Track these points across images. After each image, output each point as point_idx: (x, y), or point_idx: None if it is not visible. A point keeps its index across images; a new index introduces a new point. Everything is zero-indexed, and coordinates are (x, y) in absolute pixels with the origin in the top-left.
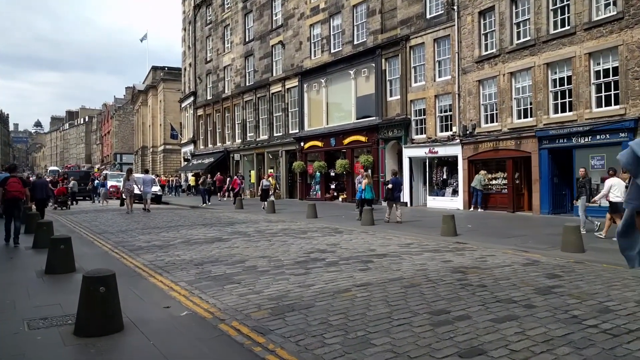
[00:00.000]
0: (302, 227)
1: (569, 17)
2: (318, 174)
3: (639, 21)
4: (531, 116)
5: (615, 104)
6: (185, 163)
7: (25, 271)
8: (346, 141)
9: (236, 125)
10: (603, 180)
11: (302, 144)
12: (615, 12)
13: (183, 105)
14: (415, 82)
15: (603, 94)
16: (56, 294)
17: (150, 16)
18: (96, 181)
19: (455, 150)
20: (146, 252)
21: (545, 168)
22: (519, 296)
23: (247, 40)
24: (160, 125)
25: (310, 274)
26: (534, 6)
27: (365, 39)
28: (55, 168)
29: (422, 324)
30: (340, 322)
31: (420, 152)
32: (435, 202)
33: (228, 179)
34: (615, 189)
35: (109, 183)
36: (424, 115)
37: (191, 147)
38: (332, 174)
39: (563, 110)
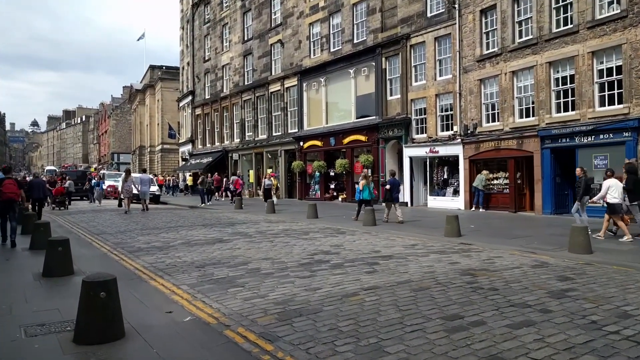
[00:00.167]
0: (303, 227)
1: (571, 16)
2: (317, 173)
3: None
4: (533, 115)
5: (618, 103)
6: (183, 163)
7: (22, 274)
8: (346, 141)
9: (235, 125)
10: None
11: (301, 143)
12: (619, 11)
13: (181, 104)
14: (416, 81)
15: (606, 93)
16: (54, 298)
17: (150, 16)
18: (93, 181)
19: (456, 149)
20: (146, 253)
21: (548, 168)
22: (533, 300)
23: (245, 39)
24: (158, 124)
25: (316, 276)
26: (536, 4)
27: (365, 38)
28: (52, 168)
29: (436, 330)
30: (350, 329)
31: (421, 151)
32: (436, 202)
33: (225, 178)
34: (612, 189)
35: (107, 183)
36: (425, 114)
37: (189, 147)
38: (332, 173)
39: (566, 110)
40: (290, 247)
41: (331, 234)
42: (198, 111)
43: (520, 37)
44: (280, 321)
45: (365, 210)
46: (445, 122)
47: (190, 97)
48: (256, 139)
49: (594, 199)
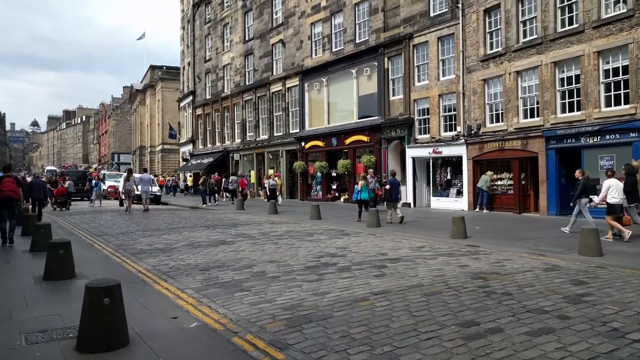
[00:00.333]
0: (307, 229)
1: (577, 15)
2: (319, 174)
3: None
4: (538, 116)
5: (625, 104)
6: (184, 163)
7: (22, 277)
8: (348, 141)
9: (236, 125)
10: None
11: (302, 143)
12: (625, 10)
13: (182, 104)
14: (419, 81)
15: (612, 93)
16: (56, 302)
17: (149, 16)
18: (94, 181)
19: (459, 150)
20: (148, 255)
21: (553, 168)
22: (549, 305)
23: (246, 39)
24: (159, 124)
25: (323, 280)
26: (540, 4)
27: (367, 38)
28: (53, 168)
29: (452, 337)
30: (363, 336)
31: (424, 152)
32: (439, 203)
33: (224, 179)
34: (613, 190)
35: (107, 183)
36: (428, 114)
37: (190, 147)
38: (334, 174)
39: (571, 110)
40: (295, 250)
41: (336, 236)
42: (199, 111)
43: (525, 36)
44: (290, 327)
45: (370, 211)
46: (448, 123)
47: (191, 97)
48: (257, 139)
49: (596, 201)
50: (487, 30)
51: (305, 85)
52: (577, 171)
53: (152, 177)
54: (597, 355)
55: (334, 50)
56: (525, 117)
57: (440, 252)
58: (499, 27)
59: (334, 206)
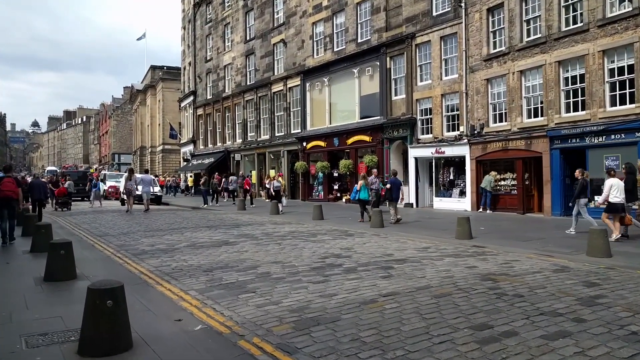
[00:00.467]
0: (310, 229)
1: (581, 14)
2: (321, 174)
3: None
4: (542, 115)
5: (630, 103)
6: (185, 163)
7: (22, 278)
8: (350, 141)
9: (237, 125)
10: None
11: (304, 144)
12: (630, 8)
13: (182, 104)
14: (421, 80)
15: (617, 92)
16: (57, 304)
17: (149, 16)
18: (98, 182)
19: (462, 150)
20: (150, 256)
21: (557, 169)
22: (563, 308)
23: (248, 38)
24: (159, 125)
25: (330, 281)
26: (544, 3)
27: (369, 37)
28: (53, 168)
29: (466, 341)
30: (374, 339)
31: (427, 152)
32: (442, 204)
33: (223, 179)
34: (614, 189)
35: (108, 183)
36: (430, 114)
37: (191, 147)
38: (335, 174)
39: (575, 110)
40: (300, 250)
41: (340, 236)
42: (200, 111)
43: (529, 35)
44: (298, 330)
45: (373, 212)
46: (451, 123)
47: (191, 98)
48: (258, 139)
49: (599, 201)
50: (491, 30)
51: (307, 85)
52: (577, 171)
53: (153, 178)
54: None
55: (335, 50)
56: (529, 117)
57: (447, 253)
58: (502, 26)
59: (335, 206)
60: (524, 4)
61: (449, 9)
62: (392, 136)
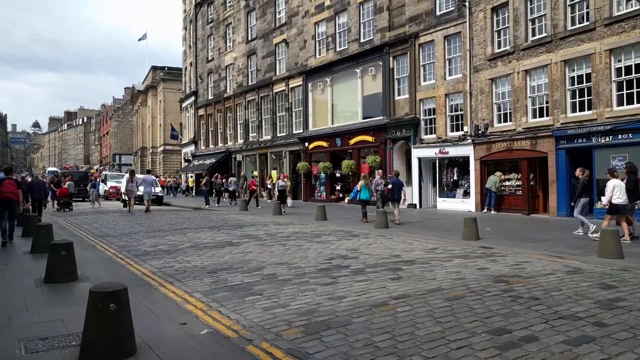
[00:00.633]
0: (314, 230)
1: (588, 13)
2: (323, 174)
3: None
4: (547, 115)
5: (638, 102)
6: (186, 164)
7: (22, 279)
8: (352, 141)
9: (238, 126)
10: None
11: (306, 144)
12: (638, 7)
13: (184, 105)
14: (425, 80)
15: (625, 91)
16: (57, 307)
17: (150, 17)
18: (97, 183)
19: (466, 150)
20: (153, 257)
21: (563, 169)
22: (582, 311)
23: (249, 38)
24: (160, 125)
25: (338, 283)
26: (550, 1)
27: (372, 37)
28: (54, 169)
29: (485, 346)
30: (388, 344)
31: (430, 152)
32: (445, 204)
33: (223, 180)
34: (617, 190)
35: (109, 184)
36: (434, 114)
37: (192, 148)
38: (338, 174)
39: (582, 109)
40: (305, 251)
41: (344, 237)
42: (201, 112)
43: (534, 35)
44: (308, 335)
45: (377, 212)
46: (455, 123)
47: (193, 98)
48: (260, 139)
49: (603, 202)
50: (495, 29)
51: (309, 85)
52: (578, 170)
53: (154, 178)
54: None
55: (338, 49)
56: (534, 117)
57: (455, 254)
58: (507, 25)
59: (338, 207)
60: (529, 3)
61: (453, 8)
62: (395, 136)
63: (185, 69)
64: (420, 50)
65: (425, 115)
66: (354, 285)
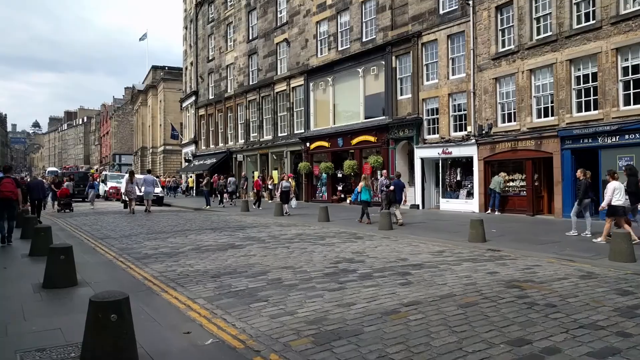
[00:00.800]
0: (317, 231)
1: (594, 11)
2: (324, 175)
3: None
4: (552, 115)
5: None
6: (187, 164)
7: (20, 284)
8: (354, 141)
9: (239, 125)
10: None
11: (307, 144)
12: None
13: (184, 105)
14: (428, 80)
15: (632, 91)
16: (56, 314)
17: (150, 17)
18: (95, 183)
19: (470, 150)
20: (154, 260)
21: (568, 169)
22: (602, 320)
23: (250, 38)
24: (160, 125)
25: (346, 289)
26: (555, 0)
27: (374, 36)
28: (54, 169)
29: (505, 358)
30: (403, 356)
31: (433, 152)
32: (448, 205)
33: (223, 180)
34: (617, 192)
35: (109, 184)
36: (437, 114)
37: (192, 148)
38: (340, 175)
39: (587, 109)
40: (309, 254)
41: (349, 239)
42: (201, 112)
43: (539, 33)
44: (318, 345)
45: (381, 213)
46: (458, 122)
47: (193, 98)
48: (261, 139)
49: (603, 205)
50: (499, 28)
51: (311, 84)
52: (579, 171)
53: (155, 178)
54: None
55: (340, 49)
56: (539, 117)
57: (463, 257)
58: (511, 24)
59: (340, 208)
60: (533, 2)
61: (456, 7)
62: (397, 136)
63: (186, 68)
64: (423, 49)
65: (428, 115)
66: (362, 291)
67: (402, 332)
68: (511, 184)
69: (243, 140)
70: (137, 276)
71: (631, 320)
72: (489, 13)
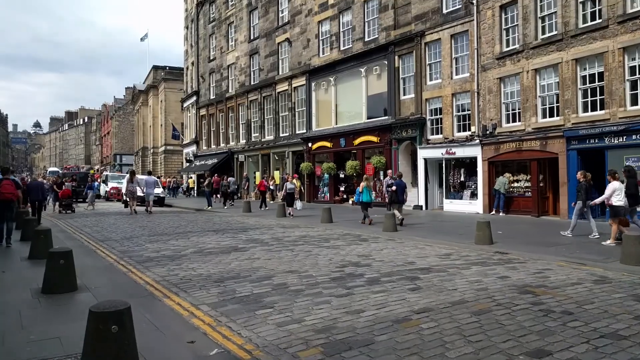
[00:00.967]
0: (321, 233)
1: (600, 10)
2: (326, 175)
3: None
4: (558, 115)
5: None
6: (188, 164)
7: (19, 290)
8: (357, 142)
9: (240, 126)
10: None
11: (309, 144)
12: None
13: (185, 105)
14: (431, 80)
15: (639, 91)
16: (55, 322)
17: (151, 17)
18: (95, 183)
19: (474, 151)
20: (156, 264)
21: (574, 170)
22: (624, 329)
23: (252, 38)
24: (161, 125)
25: (354, 295)
26: None
27: (377, 36)
28: (55, 169)
29: None
30: None
31: (437, 153)
32: (452, 206)
33: (226, 181)
34: (618, 192)
35: (110, 184)
36: (440, 114)
37: (193, 148)
38: (342, 175)
39: (594, 109)
40: (314, 258)
41: (354, 242)
42: (203, 112)
43: (544, 33)
44: (328, 357)
45: (386, 215)
46: (462, 123)
47: (194, 98)
48: (262, 140)
49: (596, 200)
50: (504, 27)
51: (313, 84)
52: (579, 173)
53: (156, 179)
54: None
55: (342, 48)
56: (544, 117)
57: (471, 260)
58: (515, 23)
59: (342, 209)
60: (538, 1)
61: (460, 6)
62: (400, 137)
63: (187, 68)
64: (427, 49)
65: (432, 115)
66: (371, 297)
67: (416, 341)
68: (516, 184)
69: (244, 141)
70: (139, 281)
71: None
72: (493, 12)
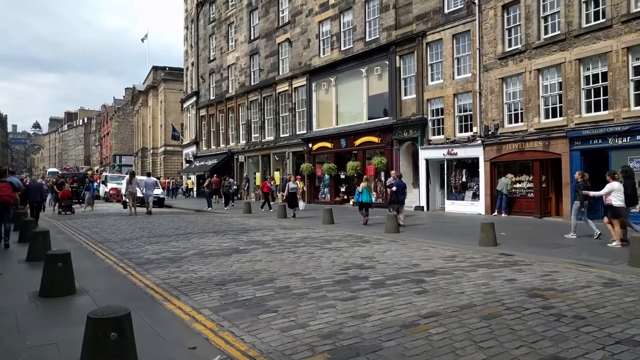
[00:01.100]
0: (323, 235)
1: (603, 9)
2: (327, 176)
3: None
4: (561, 115)
5: None
6: (187, 165)
7: (16, 293)
8: (357, 142)
9: (240, 126)
10: None
11: (310, 145)
12: None
13: (185, 105)
14: (432, 80)
15: None
16: (52, 327)
17: (150, 17)
18: (95, 184)
19: (476, 151)
20: (156, 266)
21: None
22: (639, 334)
23: (252, 38)
24: (161, 126)
25: (359, 298)
26: None
27: (378, 36)
28: (54, 170)
29: None
30: None
31: (438, 153)
32: (454, 207)
33: (227, 182)
34: (618, 193)
35: (109, 185)
36: (442, 115)
37: (193, 149)
38: (342, 176)
39: (597, 109)
40: (317, 260)
41: (356, 243)
42: (202, 112)
43: (547, 32)
44: None
45: (388, 216)
46: (464, 123)
47: (194, 98)
48: (263, 140)
49: (590, 192)
50: (506, 27)
51: (313, 85)
52: (577, 173)
53: (156, 180)
54: None
55: (342, 49)
56: (547, 117)
57: (476, 262)
58: (518, 23)
59: (343, 209)
60: (541, 0)
61: (462, 6)
62: (401, 137)
63: (187, 69)
64: (428, 49)
65: (433, 116)
66: (377, 301)
67: (425, 347)
68: (518, 185)
69: (244, 141)
70: (139, 283)
71: None
72: (495, 12)
